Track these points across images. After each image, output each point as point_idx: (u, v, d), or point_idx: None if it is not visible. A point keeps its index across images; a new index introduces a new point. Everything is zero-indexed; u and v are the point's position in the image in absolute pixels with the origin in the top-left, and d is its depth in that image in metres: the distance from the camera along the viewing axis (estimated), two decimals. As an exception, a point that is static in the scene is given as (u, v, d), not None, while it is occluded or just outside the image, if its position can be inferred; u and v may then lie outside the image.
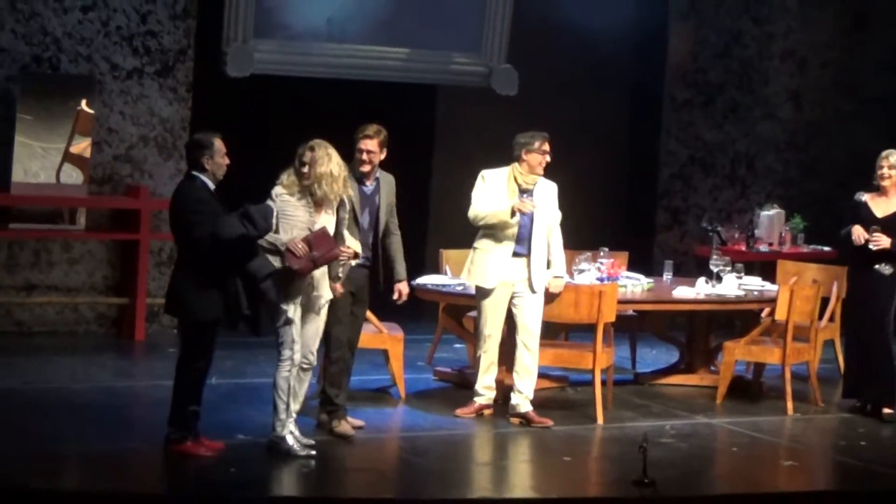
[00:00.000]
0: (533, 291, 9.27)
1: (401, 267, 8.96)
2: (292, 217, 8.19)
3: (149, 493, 7.83)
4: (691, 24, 13.64)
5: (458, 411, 9.38)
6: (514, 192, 9.26)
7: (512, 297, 9.29)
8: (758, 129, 13.87)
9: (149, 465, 8.10)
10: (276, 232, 8.09)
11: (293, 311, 8.19)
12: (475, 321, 9.56)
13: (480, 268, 9.29)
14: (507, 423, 9.35)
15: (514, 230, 9.20)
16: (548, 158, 9.33)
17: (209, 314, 8.04)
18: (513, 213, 9.15)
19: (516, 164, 9.31)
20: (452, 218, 12.95)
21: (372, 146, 8.69)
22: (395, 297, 8.94)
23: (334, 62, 12.43)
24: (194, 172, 8.13)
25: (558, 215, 9.47)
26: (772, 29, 13.81)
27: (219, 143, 8.15)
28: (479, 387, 9.40)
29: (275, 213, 8.11)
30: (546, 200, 9.34)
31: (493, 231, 9.24)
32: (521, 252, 9.27)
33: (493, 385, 9.43)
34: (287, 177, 8.24)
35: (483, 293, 9.31)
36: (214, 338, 8.16)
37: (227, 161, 8.15)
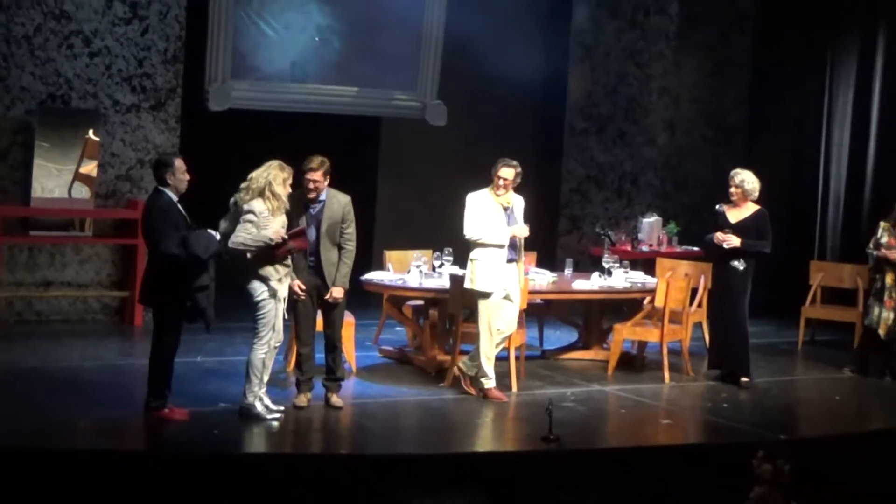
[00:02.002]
0: (516, 292, 9.16)
1: (339, 274, 8.57)
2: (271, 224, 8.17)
3: (147, 451, 7.81)
4: (586, 68, 13.71)
5: (492, 396, 9.09)
6: (500, 210, 9.10)
7: (507, 297, 9.18)
8: (640, 152, 13.96)
9: (147, 427, 8.06)
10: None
11: (274, 304, 8.16)
12: (478, 321, 9.17)
13: (485, 276, 9.07)
14: (439, 391, 9.35)
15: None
16: (501, 182, 9.07)
17: (170, 306, 7.99)
18: (515, 239, 9.11)
19: (492, 186, 9.16)
20: (394, 225, 13.03)
21: (317, 177, 8.49)
22: (327, 296, 8.58)
23: (297, 98, 12.43)
24: (160, 187, 8.06)
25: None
26: (651, 71, 13.91)
27: (179, 163, 8.06)
28: (490, 373, 9.17)
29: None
30: (519, 212, 9.24)
31: (489, 245, 9.09)
32: (512, 258, 9.16)
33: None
34: (270, 202, 8.14)
35: (487, 297, 9.10)
36: (180, 323, 8.07)
37: (187, 178, 8.04)
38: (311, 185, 8.52)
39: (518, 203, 9.26)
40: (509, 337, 9.28)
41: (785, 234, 11.50)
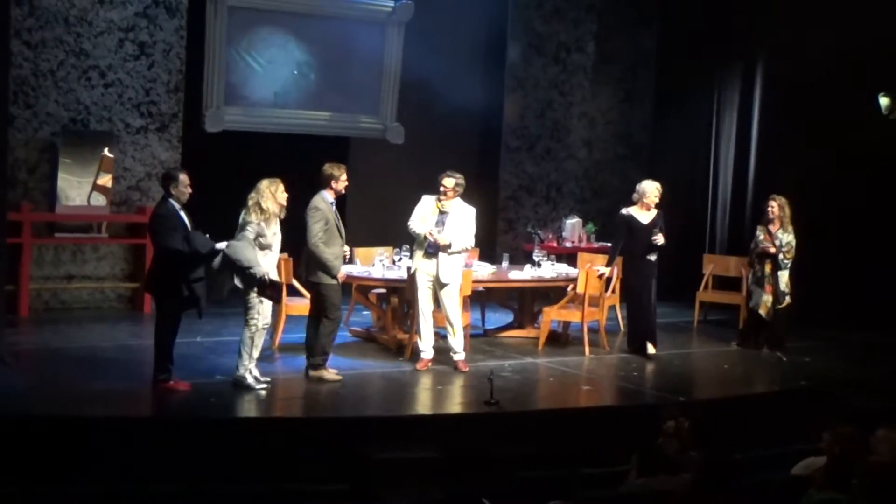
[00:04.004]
0: (440, 281, 8.98)
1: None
2: (269, 238, 8.11)
3: (154, 417, 7.75)
4: (519, 95, 13.73)
5: (418, 366, 9.05)
6: (435, 212, 9.02)
7: (434, 284, 9.06)
8: (564, 165, 14.00)
9: (154, 397, 7.99)
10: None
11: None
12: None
13: (413, 262, 9.13)
14: (399, 364, 9.33)
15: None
16: (441, 189, 9.00)
17: (170, 295, 7.91)
18: (424, 237, 9.00)
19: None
20: (360, 226, 12.95)
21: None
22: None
23: (279, 122, 12.36)
24: (166, 197, 8.00)
25: (466, 229, 9.05)
26: (572, 99, 13.95)
27: (183, 177, 7.98)
28: (423, 346, 9.12)
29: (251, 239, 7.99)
30: (457, 218, 9.03)
31: (417, 239, 9.08)
32: (431, 252, 9.02)
33: (432, 345, 9.11)
34: (257, 214, 8.07)
35: (411, 280, 9.12)
36: (178, 309, 7.97)
37: (189, 190, 7.97)
38: (344, 190, 8.72)
39: (458, 212, 9.05)
40: (451, 316, 9.10)
41: (682, 232, 11.57)
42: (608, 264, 10.11)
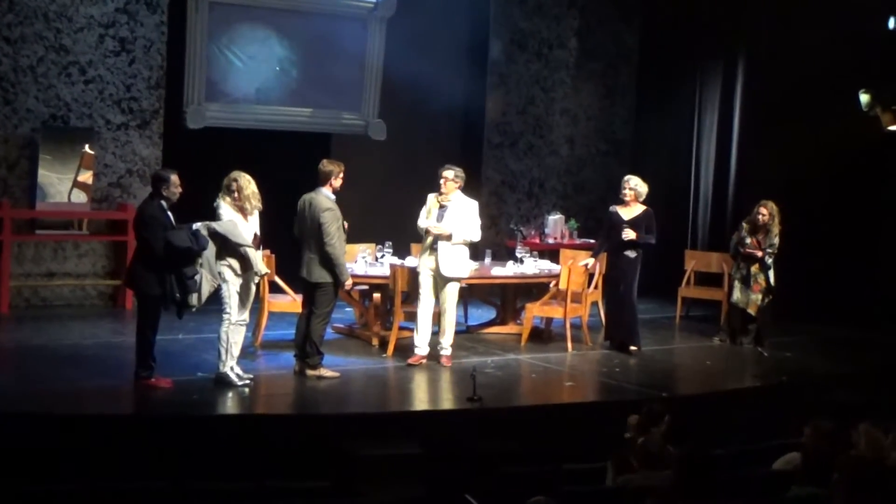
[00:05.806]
0: (441, 275, 9.01)
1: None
2: (241, 225, 8.13)
3: (136, 414, 7.73)
4: (501, 92, 13.74)
5: (411, 360, 9.05)
6: (436, 207, 9.07)
7: (435, 279, 9.08)
8: (546, 161, 14.02)
9: (137, 394, 7.97)
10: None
11: (234, 283, 8.10)
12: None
13: (417, 259, 9.13)
14: (381, 361, 9.33)
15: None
16: (440, 181, 9.04)
17: (151, 291, 7.89)
18: (426, 231, 9.06)
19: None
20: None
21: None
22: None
23: (260, 118, 12.33)
24: (154, 196, 7.98)
25: (469, 222, 9.11)
26: (554, 95, 13.97)
27: (174, 178, 7.98)
28: (419, 342, 9.12)
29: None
30: (457, 212, 9.08)
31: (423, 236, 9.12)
32: (435, 247, 9.04)
33: (427, 341, 9.11)
34: (224, 200, 8.12)
35: (413, 275, 9.11)
36: (159, 306, 7.97)
37: (179, 190, 7.98)
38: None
39: (458, 205, 9.09)
40: (448, 311, 9.14)
41: (664, 228, 11.56)
42: (593, 257, 10.19)
